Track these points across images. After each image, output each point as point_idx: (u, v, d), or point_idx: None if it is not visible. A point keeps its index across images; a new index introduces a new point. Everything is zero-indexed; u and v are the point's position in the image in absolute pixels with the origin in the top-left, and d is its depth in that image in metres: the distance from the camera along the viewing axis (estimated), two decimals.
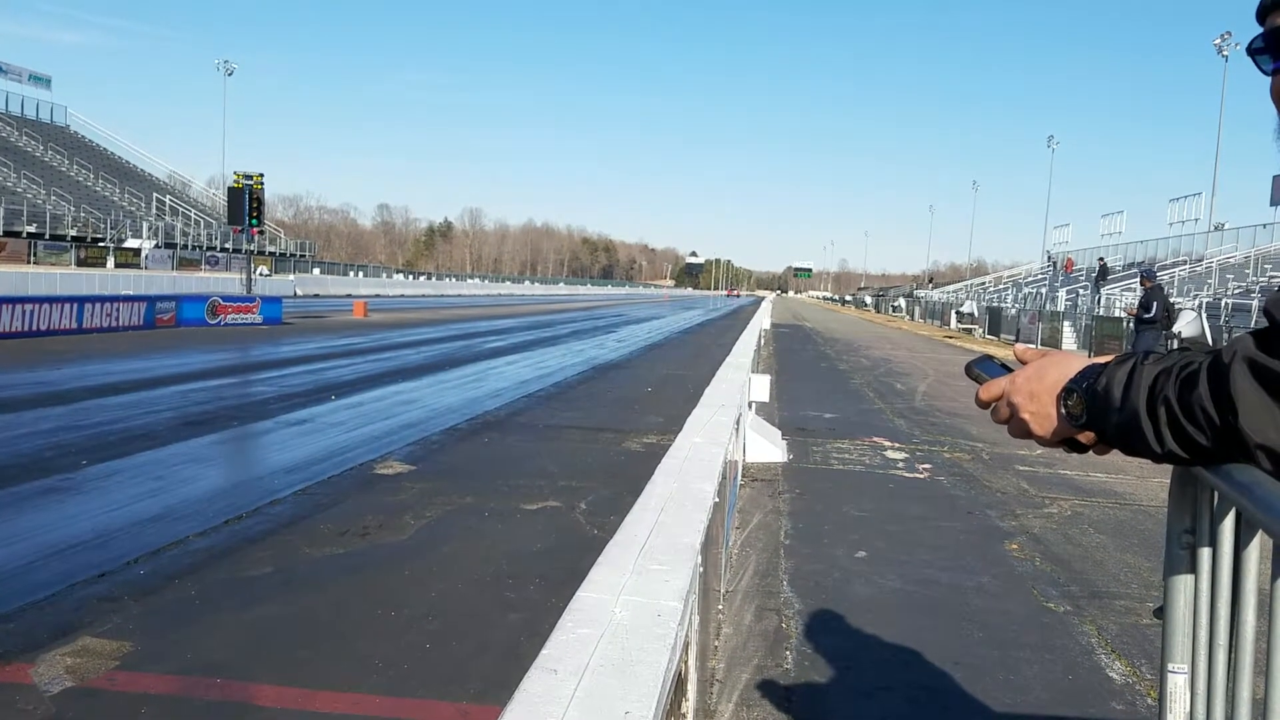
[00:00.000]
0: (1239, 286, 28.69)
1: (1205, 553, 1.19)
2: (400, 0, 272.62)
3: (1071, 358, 1.21)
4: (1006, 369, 1.30)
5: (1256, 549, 1.02)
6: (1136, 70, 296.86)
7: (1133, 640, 4.09)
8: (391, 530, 5.42)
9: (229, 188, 26.46)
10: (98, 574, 4.51)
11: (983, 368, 1.34)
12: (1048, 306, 34.41)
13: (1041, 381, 1.19)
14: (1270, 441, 0.92)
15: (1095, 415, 1.11)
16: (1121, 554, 5.46)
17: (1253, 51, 1.15)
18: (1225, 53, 39.91)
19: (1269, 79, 1.14)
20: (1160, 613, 1.34)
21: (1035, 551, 5.50)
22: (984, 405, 1.30)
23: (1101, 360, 1.16)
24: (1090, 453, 1.22)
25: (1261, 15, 1.12)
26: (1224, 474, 1.02)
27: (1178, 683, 1.30)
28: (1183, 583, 1.26)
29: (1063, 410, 1.15)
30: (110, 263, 48.10)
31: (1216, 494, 1.11)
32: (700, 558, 2.47)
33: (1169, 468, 1.14)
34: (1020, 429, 1.23)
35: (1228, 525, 1.09)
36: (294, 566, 4.73)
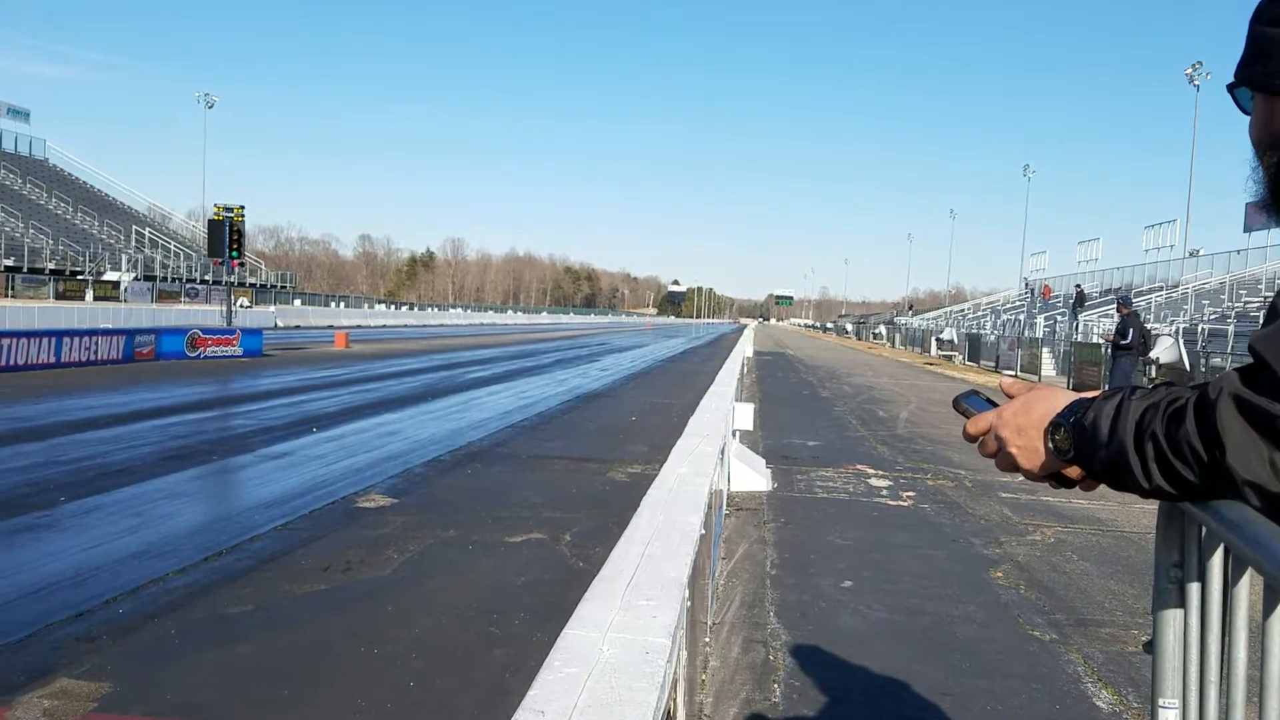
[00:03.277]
0: (1215, 312, 29.02)
1: (1194, 587, 1.19)
2: (380, 31, 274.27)
3: (1059, 392, 1.22)
4: (993, 403, 1.31)
5: (1246, 586, 1.02)
6: (1110, 100, 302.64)
7: (1119, 669, 4.09)
8: (374, 565, 5.36)
9: (209, 220, 26.36)
10: (75, 613, 4.43)
11: (970, 402, 1.35)
12: (1026, 333, 34.67)
13: (1029, 416, 1.19)
14: (1258, 478, 0.92)
15: (1082, 450, 1.11)
16: (1105, 581, 5.47)
17: (1232, 87, 1.17)
18: (1197, 82, 40.71)
19: (1246, 116, 1.17)
20: (1150, 646, 1.34)
21: (1020, 579, 5.50)
22: (972, 439, 1.30)
23: (1088, 395, 1.17)
24: (1077, 488, 1.22)
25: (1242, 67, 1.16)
26: (1212, 510, 1.02)
27: (1169, 718, 1.30)
28: (1172, 617, 1.26)
29: (1050, 445, 1.15)
30: (89, 295, 47.73)
31: (1204, 530, 1.11)
32: (688, 591, 2.46)
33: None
34: (1008, 463, 1.23)
35: (1216, 562, 1.09)
36: (274, 604, 4.66)
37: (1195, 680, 1.20)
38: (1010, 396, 1.27)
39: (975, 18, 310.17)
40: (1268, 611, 0.92)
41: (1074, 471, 1.17)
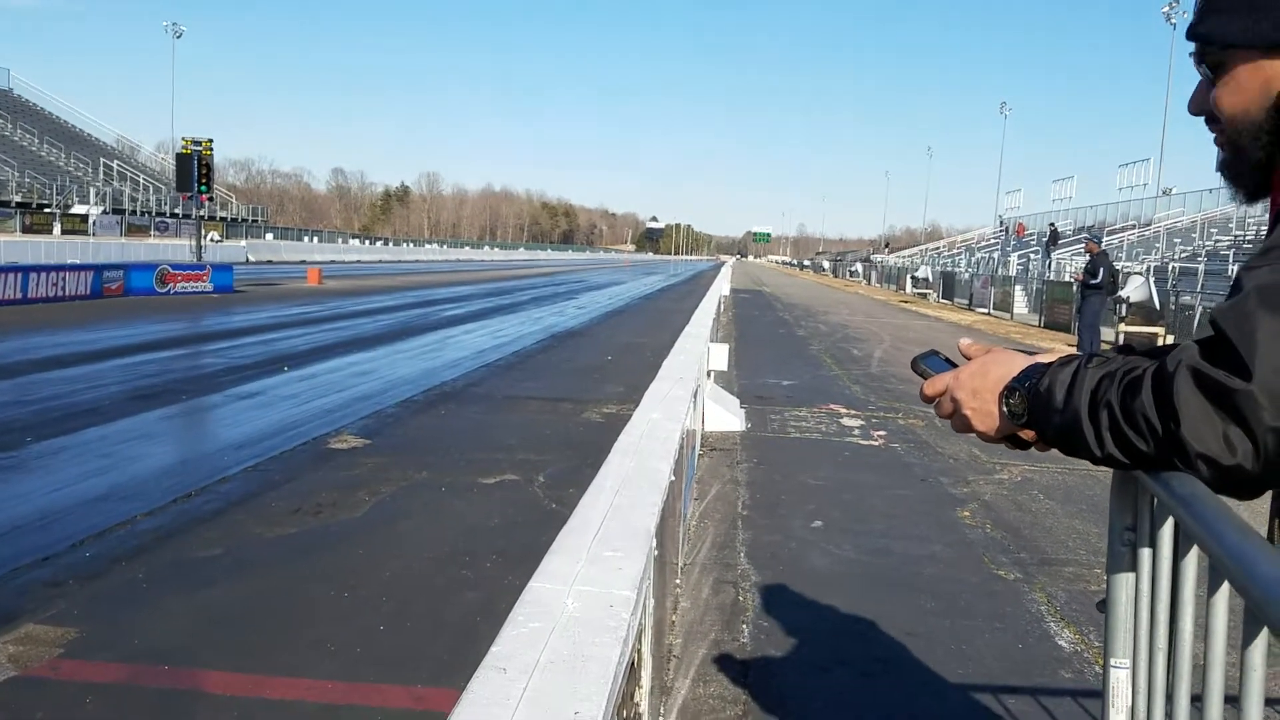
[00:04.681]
0: (1186, 250, 29.24)
1: (1145, 553, 1.19)
2: None
3: (1015, 356, 1.21)
4: (951, 364, 1.30)
5: (1194, 561, 1.01)
6: (1086, 37, 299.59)
7: (1081, 608, 4.17)
8: (345, 507, 5.35)
9: (177, 154, 25.77)
10: (41, 558, 4.40)
11: (928, 363, 1.34)
12: (1000, 271, 34.84)
13: (984, 379, 1.20)
14: (1211, 451, 0.92)
15: (1036, 415, 1.11)
16: (1070, 520, 5.56)
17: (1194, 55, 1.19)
18: (1173, 20, 40.35)
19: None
20: (1103, 606, 1.35)
21: (986, 519, 5.58)
22: (928, 400, 1.31)
23: (1043, 360, 1.16)
24: (1032, 450, 1.22)
25: (1191, 34, 1.18)
26: (1164, 482, 1.01)
27: (1120, 677, 1.30)
28: (1124, 580, 1.27)
29: (1004, 408, 1.16)
30: (57, 229, 46.65)
31: (1156, 500, 1.10)
32: (655, 541, 2.45)
33: None
34: (963, 424, 1.24)
35: (1166, 532, 1.08)
36: (244, 547, 4.65)
37: (1145, 643, 1.20)
38: (968, 358, 1.26)
39: None
40: (1212, 589, 0.91)
41: (1028, 434, 1.17)
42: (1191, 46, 1.16)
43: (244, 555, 4.54)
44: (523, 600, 1.71)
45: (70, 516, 5.05)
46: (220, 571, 4.30)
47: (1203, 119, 1.18)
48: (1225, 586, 0.88)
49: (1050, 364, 1.12)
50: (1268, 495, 1.11)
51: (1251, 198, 1.15)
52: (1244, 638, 0.85)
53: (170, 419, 7.95)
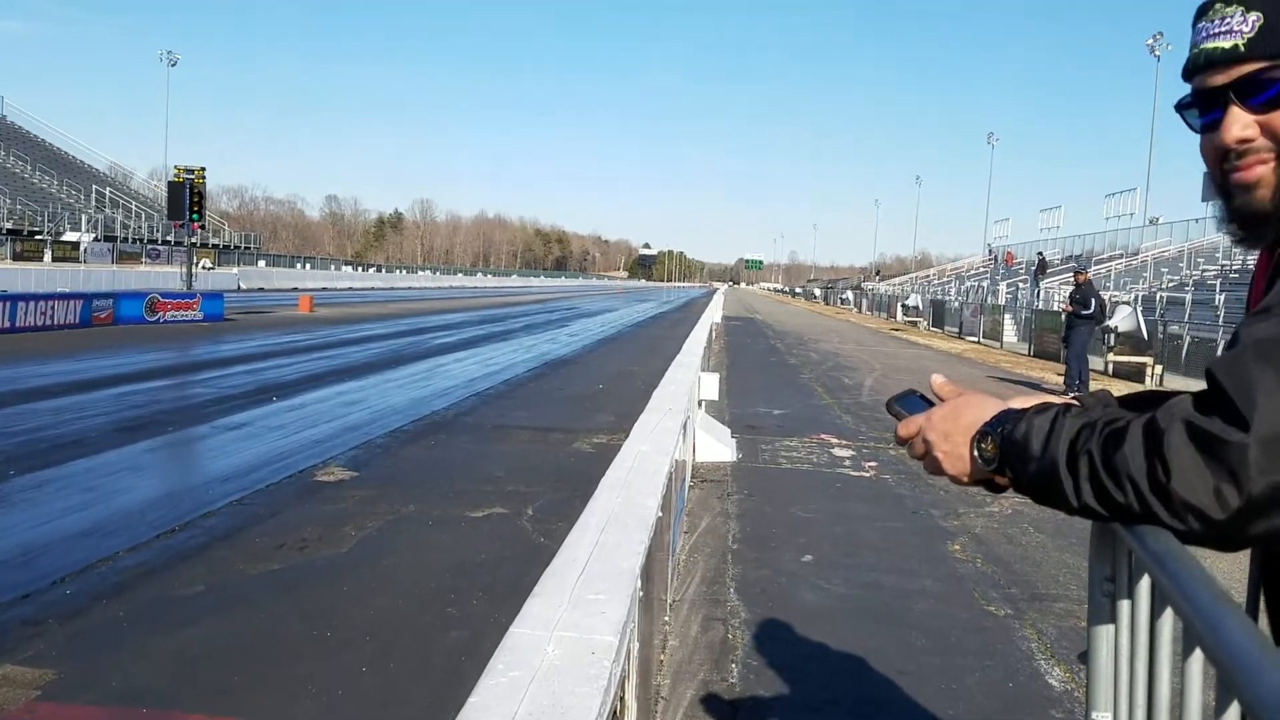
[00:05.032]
0: (1173, 280, 29.43)
1: (1125, 605, 1.18)
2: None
3: (988, 400, 1.21)
4: (928, 402, 1.29)
5: (1169, 621, 1.00)
6: (1073, 69, 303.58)
7: (1071, 644, 4.14)
8: (330, 542, 5.30)
9: (169, 182, 25.84)
10: (21, 595, 4.34)
11: (903, 403, 1.33)
12: (989, 300, 34.99)
13: (956, 422, 1.19)
14: (1201, 504, 0.91)
15: (1011, 461, 1.10)
16: (1060, 554, 5.54)
17: (1180, 107, 1.18)
18: (1158, 53, 40.92)
19: (1197, 133, 1.16)
20: (1085, 657, 1.33)
21: (977, 552, 5.56)
22: (902, 442, 1.30)
23: (1018, 406, 1.15)
24: (1007, 492, 1.21)
25: (1188, 74, 1.14)
26: (1139, 537, 1.00)
27: None
28: (1105, 631, 1.25)
29: (975, 453, 1.16)
30: (47, 257, 46.53)
31: (1133, 554, 1.09)
32: (640, 581, 2.43)
33: None
34: (934, 467, 1.24)
35: (1144, 587, 1.07)
36: (227, 584, 4.59)
37: (1125, 697, 1.19)
38: (942, 399, 1.26)
39: None
40: (1186, 652, 0.89)
41: (1001, 480, 1.16)
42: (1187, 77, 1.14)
43: (226, 592, 4.48)
44: (502, 647, 1.69)
45: (52, 552, 4.99)
46: (202, 609, 4.25)
47: (1222, 154, 1.12)
48: (1199, 651, 0.87)
49: (1025, 410, 1.11)
50: (1246, 565, 1.10)
51: (1260, 243, 1.12)
52: (1216, 706, 0.83)
53: (156, 451, 7.88)
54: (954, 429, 1.18)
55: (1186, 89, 1.18)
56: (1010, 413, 1.13)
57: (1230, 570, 3.47)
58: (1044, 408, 1.12)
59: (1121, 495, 0.97)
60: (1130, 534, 1.03)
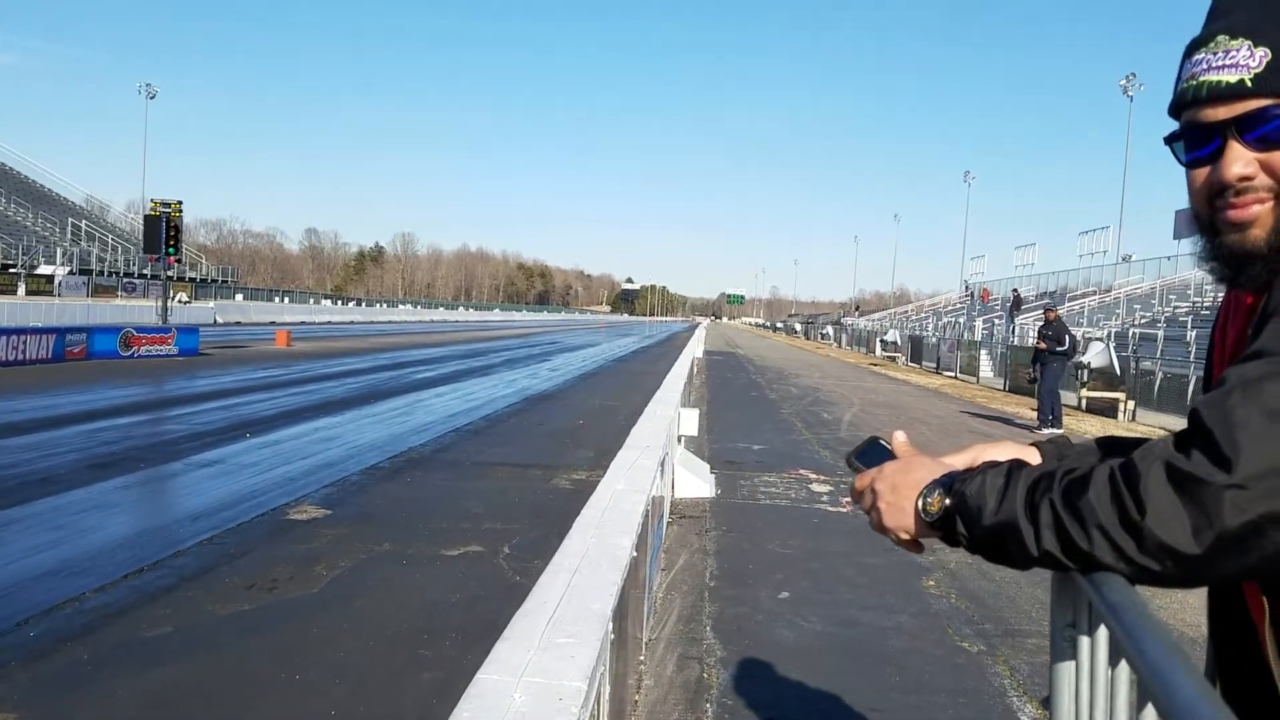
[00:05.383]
0: (1146, 316, 29.85)
1: (1085, 653, 1.18)
2: (329, 22, 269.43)
3: (940, 462, 1.21)
4: (888, 452, 1.29)
5: (1125, 673, 1.01)
6: (1047, 108, 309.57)
7: (1044, 681, 4.13)
8: (301, 583, 5.23)
9: (146, 215, 25.73)
10: None
11: (863, 457, 1.32)
12: (966, 335, 35.33)
13: (906, 475, 1.19)
14: (1178, 543, 0.91)
15: (963, 515, 1.10)
16: (1033, 589, 5.55)
17: (1170, 140, 1.15)
18: (1130, 93, 41.99)
19: (1184, 166, 1.13)
20: (1047, 703, 1.34)
21: (951, 588, 5.56)
22: (856, 496, 1.29)
23: (965, 470, 1.16)
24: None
25: (1180, 106, 1.11)
26: (1098, 588, 1.01)
27: None
28: (1067, 677, 1.26)
29: (919, 505, 1.15)
30: (21, 290, 46.12)
31: (1091, 604, 1.10)
32: (612, 625, 2.41)
33: None
34: (877, 520, 1.22)
35: (1102, 637, 1.08)
36: (195, 625, 4.52)
37: None
38: (896, 456, 1.27)
39: (918, 24, 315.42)
40: (1140, 703, 0.90)
41: (935, 536, 1.16)
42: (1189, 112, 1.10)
43: (194, 634, 4.41)
44: (468, 695, 1.67)
45: (17, 593, 4.89)
46: (169, 651, 4.17)
47: (1201, 194, 1.10)
48: (1150, 706, 0.88)
49: (975, 470, 1.12)
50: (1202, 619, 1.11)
51: (1249, 283, 1.07)
52: None
53: (127, 489, 7.78)
54: (902, 482, 1.18)
55: (1161, 124, 1.15)
56: (960, 473, 1.14)
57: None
58: (994, 464, 1.14)
59: (1085, 540, 0.97)
60: (1089, 584, 1.04)
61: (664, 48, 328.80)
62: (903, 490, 1.17)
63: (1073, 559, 1.01)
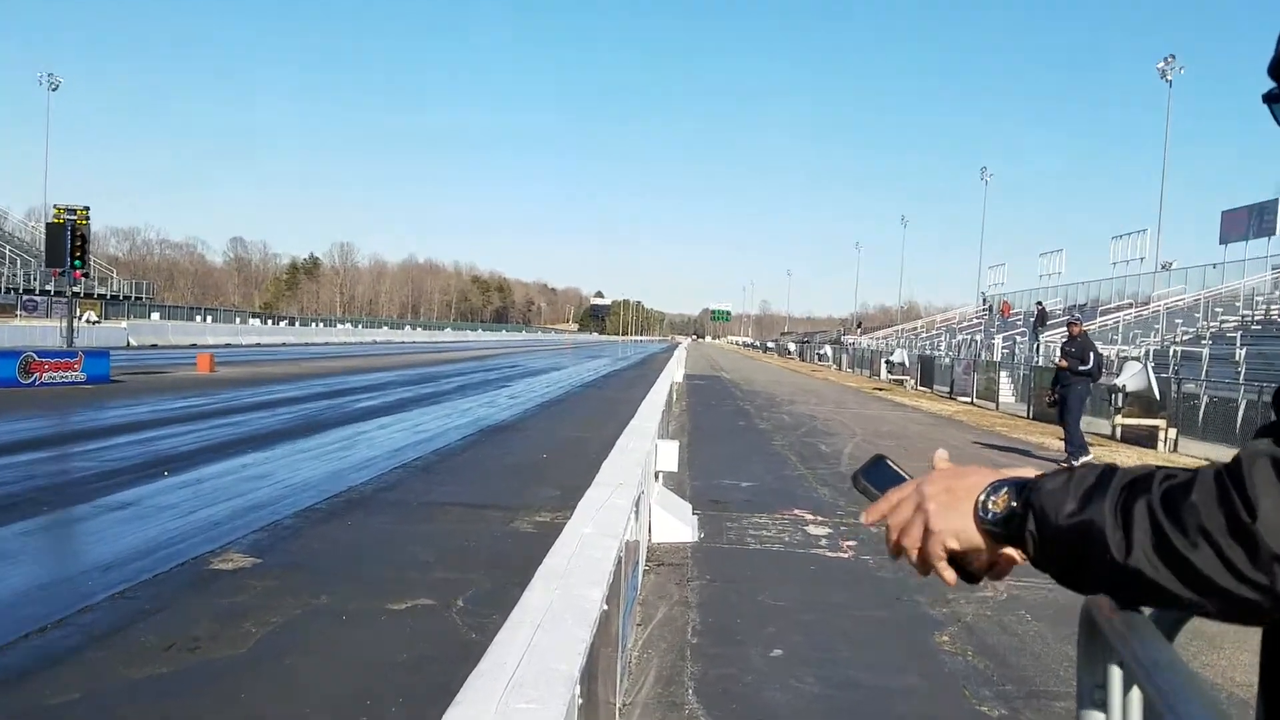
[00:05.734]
0: (1189, 332, 29.94)
1: (1117, 713, 1.20)
2: (258, 12, 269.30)
3: (996, 473, 1.18)
4: (898, 473, 1.28)
5: None
6: (1074, 95, 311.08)
7: None
8: (227, 642, 5.19)
9: (48, 224, 25.53)
10: None
11: (871, 478, 1.30)
12: (983, 355, 35.64)
13: (962, 479, 1.16)
14: None
15: (1035, 515, 1.06)
16: (1060, 644, 5.60)
17: (1271, 99, 1.11)
18: (1169, 77, 41.74)
19: None
20: None
21: (968, 644, 5.60)
22: (886, 510, 1.23)
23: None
24: (983, 580, 1.19)
25: (1275, 70, 1.08)
26: (1131, 643, 1.01)
27: None
28: None
29: (979, 502, 1.12)
30: None
31: (1124, 663, 1.10)
32: (580, 687, 2.42)
33: None
34: (919, 529, 1.17)
35: (1135, 702, 1.08)
36: (105, 692, 4.47)
37: None
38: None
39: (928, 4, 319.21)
40: None
41: (982, 559, 1.14)
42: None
43: (104, 701, 4.37)
44: None
45: None
46: None
47: None
48: None
49: (1048, 473, 1.10)
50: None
51: None
52: None
53: (29, 535, 7.70)
54: (958, 485, 1.15)
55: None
56: (1027, 478, 1.11)
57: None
58: (1058, 473, 1.10)
59: (1190, 548, 0.92)
60: (1120, 639, 1.05)
61: (633, 40, 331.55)
62: (959, 491, 1.14)
63: (1170, 566, 0.95)
